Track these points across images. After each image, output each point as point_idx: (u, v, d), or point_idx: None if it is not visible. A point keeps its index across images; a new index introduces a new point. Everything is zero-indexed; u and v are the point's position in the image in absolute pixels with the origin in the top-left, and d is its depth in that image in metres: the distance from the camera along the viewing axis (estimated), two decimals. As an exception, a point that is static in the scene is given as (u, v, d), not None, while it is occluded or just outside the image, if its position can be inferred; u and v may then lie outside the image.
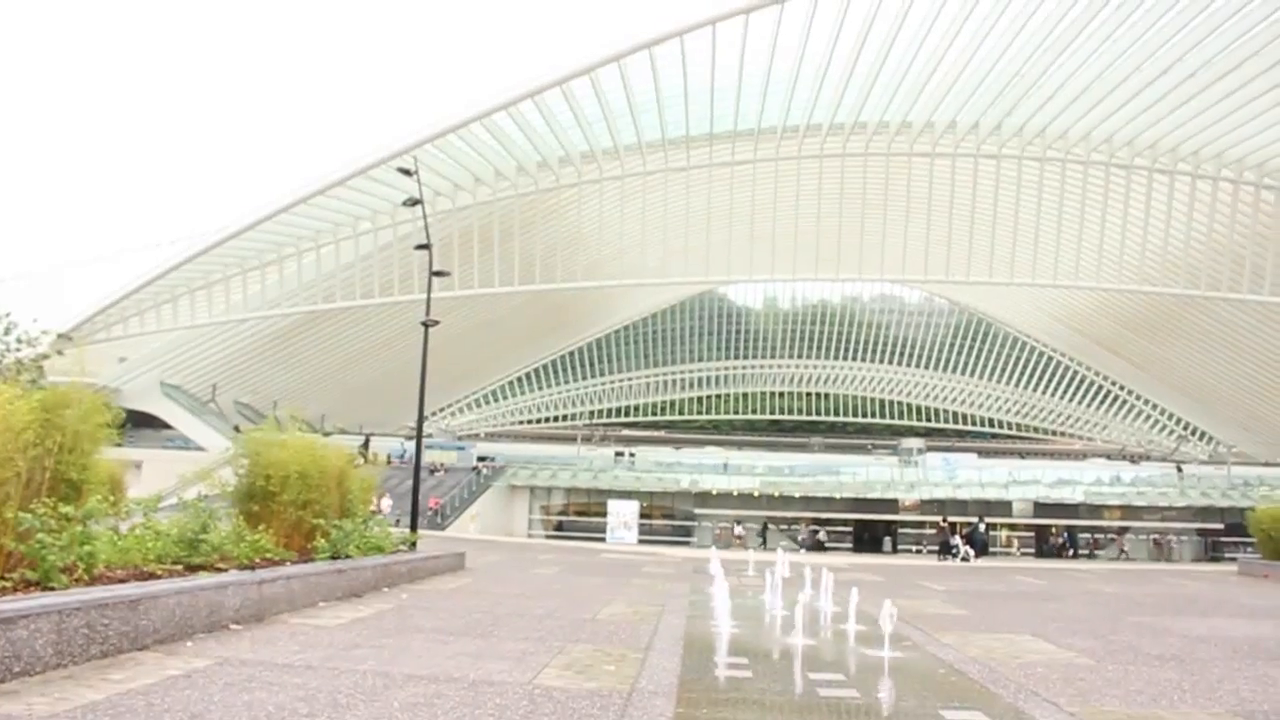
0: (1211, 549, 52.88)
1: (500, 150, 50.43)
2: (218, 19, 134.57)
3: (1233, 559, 45.13)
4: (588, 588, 19.09)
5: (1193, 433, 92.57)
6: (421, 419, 27.01)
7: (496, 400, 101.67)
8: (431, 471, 56.26)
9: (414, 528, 22.46)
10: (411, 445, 38.49)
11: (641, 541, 49.87)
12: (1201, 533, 54.08)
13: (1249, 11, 39.15)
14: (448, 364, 64.87)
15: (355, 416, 70.96)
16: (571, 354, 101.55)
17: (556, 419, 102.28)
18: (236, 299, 55.49)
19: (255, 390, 65.96)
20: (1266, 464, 73.70)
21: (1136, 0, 39.14)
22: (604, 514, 52.59)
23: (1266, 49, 41.27)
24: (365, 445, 55.39)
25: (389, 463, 50.03)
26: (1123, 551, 53.72)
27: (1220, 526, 52.59)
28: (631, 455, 63.83)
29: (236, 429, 43.77)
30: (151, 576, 9.92)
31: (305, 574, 12.42)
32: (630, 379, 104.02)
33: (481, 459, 61.25)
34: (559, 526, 55.45)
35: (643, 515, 52.53)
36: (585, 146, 51.52)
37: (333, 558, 14.64)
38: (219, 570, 11.34)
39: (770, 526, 54.42)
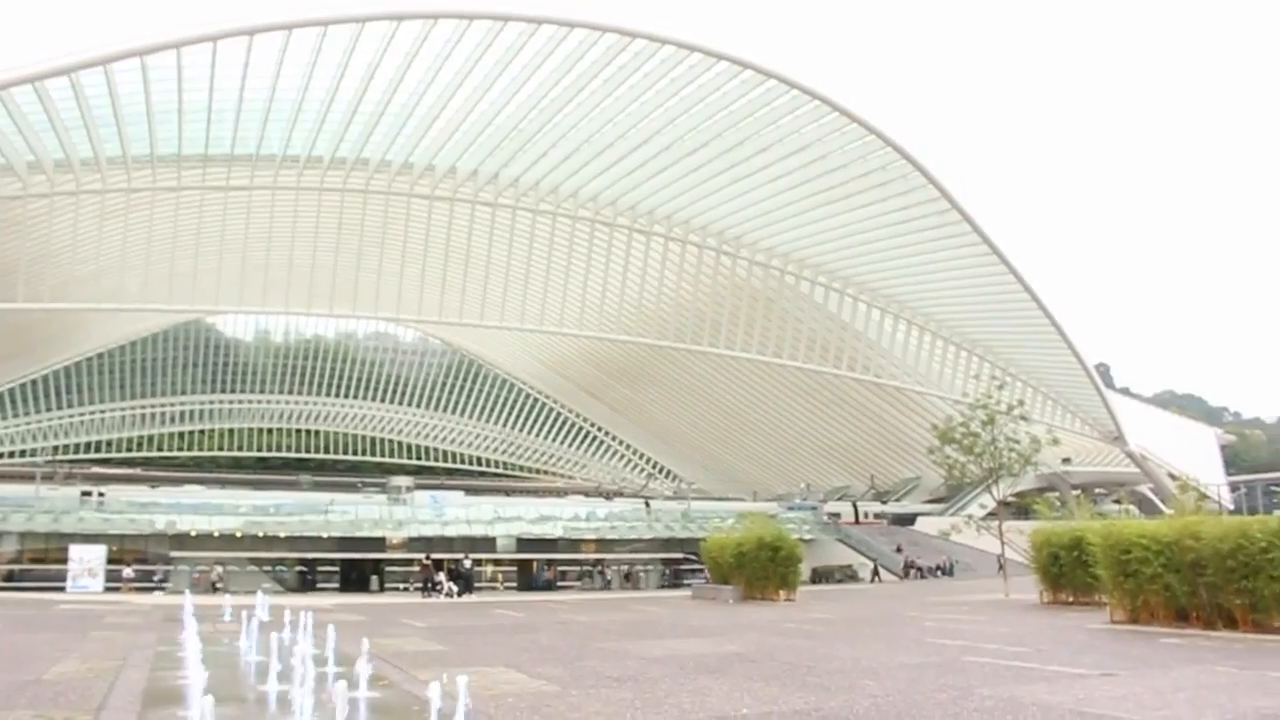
0: (674, 576, 57.88)
1: (-47, 149, 44.29)
2: None
3: (689, 585, 49.71)
4: (35, 645, 17.32)
5: (660, 470, 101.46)
6: None
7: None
8: None
9: None
10: None
11: (109, 589, 45.61)
12: (665, 562, 59.05)
13: (710, 100, 44.51)
14: None
15: None
16: (34, 382, 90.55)
17: (13, 455, 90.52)
18: None
19: None
20: (720, 498, 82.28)
21: (622, 76, 42.88)
22: (65, 561, 47.43)
23: (722, 135, 47.14)
24: None
25: None
26: (606, 581, 57.18)
27: (680, 556, 57.77)
28: (101, 495, 58.01)
29: None
30: None
31: None
32: (104, 411, 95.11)
33: (-91, 503, 52.93)
34: (10, 577, 49.16)
35: (112, 560, 48.00)
36: (61, 154, 46.45)
37: None
38: None
39: (254, 568, 52.07)
